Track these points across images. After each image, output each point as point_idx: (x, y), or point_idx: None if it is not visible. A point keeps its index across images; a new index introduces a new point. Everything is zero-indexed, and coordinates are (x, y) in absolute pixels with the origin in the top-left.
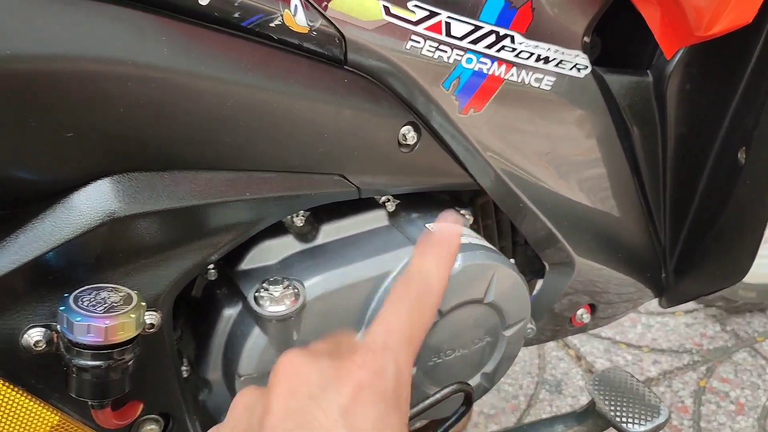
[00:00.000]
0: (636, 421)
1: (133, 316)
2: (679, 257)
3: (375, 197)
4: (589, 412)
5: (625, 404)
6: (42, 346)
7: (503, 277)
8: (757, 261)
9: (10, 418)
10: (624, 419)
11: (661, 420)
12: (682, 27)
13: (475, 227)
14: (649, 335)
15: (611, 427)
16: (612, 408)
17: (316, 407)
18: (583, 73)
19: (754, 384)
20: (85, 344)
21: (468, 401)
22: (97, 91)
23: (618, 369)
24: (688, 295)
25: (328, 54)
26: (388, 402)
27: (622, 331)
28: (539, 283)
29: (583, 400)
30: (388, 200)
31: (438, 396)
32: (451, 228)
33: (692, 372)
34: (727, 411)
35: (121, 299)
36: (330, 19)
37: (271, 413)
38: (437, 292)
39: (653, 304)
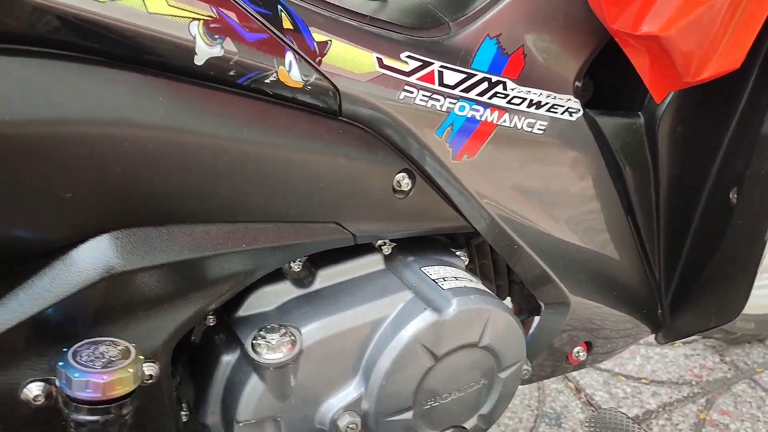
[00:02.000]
0: None
1: (131, 370)
2: (675, 294)
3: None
4: None
5: None
6: (41, 400)
7: (498, 321)
8: (755, 292)
9: None
10: None
11: None
12: (671, 73)
13: (471, 267)
14: (648, 367)
15: None
16: None
17: None
18: (575, 117)
19: (754, 416)
20: (83, 399)
21: None
22: (95, 151)
23: (613, 410)
24: (684, 332)
25: (323, 106)
26: None
27: (621, 363)
28: (536, 320)
29: None
30: (384, 243)
31: None
32: None
33: (692, 404)
34: None
35: (119, 353)
36: (324, 73)
37: None
38: None
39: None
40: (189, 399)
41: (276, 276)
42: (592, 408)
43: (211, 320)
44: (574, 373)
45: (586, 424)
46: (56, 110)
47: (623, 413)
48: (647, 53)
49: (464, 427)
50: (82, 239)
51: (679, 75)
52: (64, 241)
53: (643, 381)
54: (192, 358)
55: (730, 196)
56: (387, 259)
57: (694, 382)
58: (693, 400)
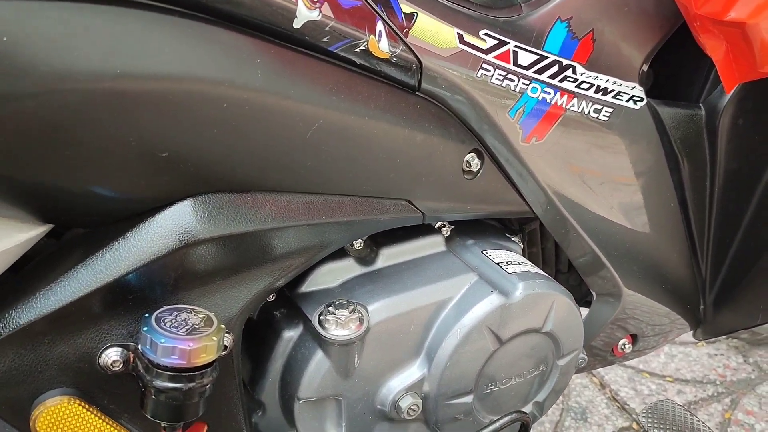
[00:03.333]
0: None
1: (215, 338)
2: (720, 290)
3: (431, 222)
4: None
5: None
6: (119, 366)
7: (561, 307)
8: None
9: None
10: None
11: None
12: (747, 62)
13: (522, 254)
14: (672, 365)
15: None
16: None
17: None
18: (639, 105)
19: None
20: (167, 366)
21: (525, 429)
22: (197, 111)
23: (669, 401)
24: (726, 329)
25: (404, 80)
26: None
27: (645, 360)
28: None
29: (609, 428)
30: (444, 225)
31: (497, 425)
32: None
33: (717, 403)
34: None
35: (201, 321)
36: (410, 45)
37: None
38: None
39: None
40: (245, 375)
41: (338, 254)
42: (617, 404)
43: (271, 296)
44: (599, 369)
45: (643, 415)
46: (159, 66)
47: (679, 404)
48: (725, 41)
49: (525, 413)
50: (168, 203)
51: (754, 65)
52: (152, 203)
53: (668, 379)
54: (249, 334)
55: None
56: (447, 241)
57: (718, 382)
58: (718, 400)
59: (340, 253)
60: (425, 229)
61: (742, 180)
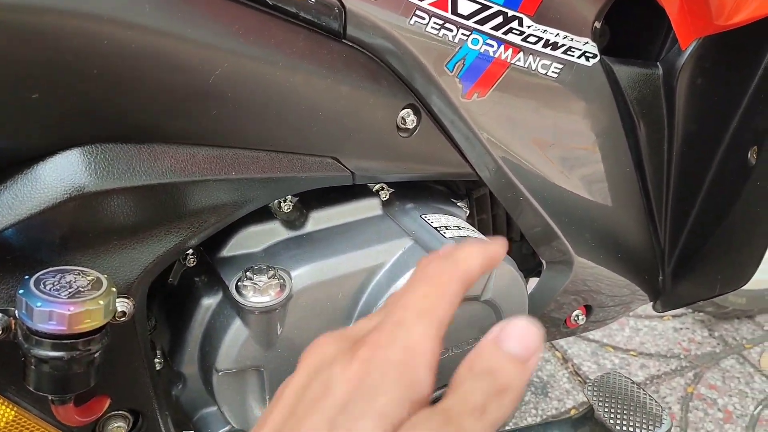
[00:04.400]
0: (637, 429)
1: (101, 302)
2: (678, 259)
3: (368, 185)
4: (587, 418)
5: (625, 411)
6: None
7: (502, 274)
8: None
9: None
10: (624, 427)
11: (663, 429)
12: (702, 15)
13: (470, 221)
14: (636, 339)
15: None
16: (612, 415)
17: (319, 380)
18: (591, 62)
19: (742, 392)
20: (45, 333)
21: None
22: (69, 46)
23: (617, 373)
24: (685, 300)
25: (327, 25)
26: (385, 379)
27: (609, 334)
28: (533, 281)
29: (569, 403)
30: (382, 188)
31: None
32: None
33: (680, 377)
34: (715, 419)
35: (88, 284)
36: None
37: (293, 380)
38: (465, 269)
39: (642, 307)
40: (164, 345)
41: (264, 216)
42: (579, 378)
43: (191, 260)
44: (562, 343)
45: (589, 388)
46: None
47: (627, 377)
48: None
49: None
50: (51, 152)
51: (710, 18)
52: (30, 152)
53: (632, 353)
54: (169, 301)
55: (749, 155)
56: (385, 205)
57: (682, 356)
58: (681, 374)
59: (267, 216)
60: (361, 193)
61: (701, 143)
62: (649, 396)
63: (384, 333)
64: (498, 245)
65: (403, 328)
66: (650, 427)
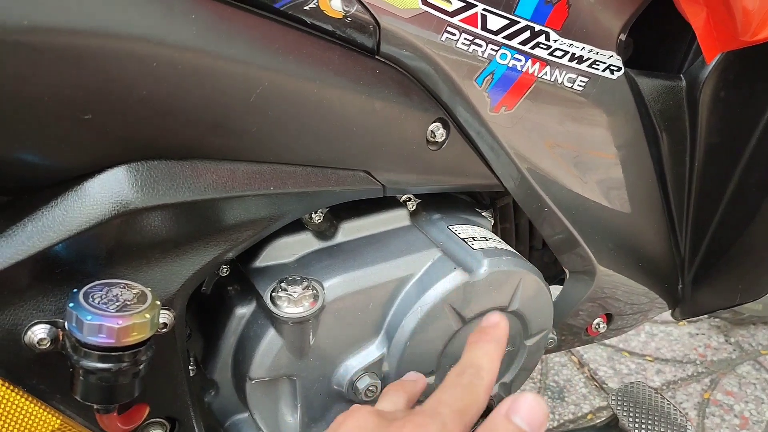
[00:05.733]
0: None
1: (147, 316)
2: (698, 269)
3: (396, 196)
4: (611, 427)
5: (649, 421)
6: (46, 344)
7: (529, 285)
8: None
9: (8, 421)
10: None
11: None
12: (728, 30)
13: (493, 230)
14: (652, 344)
15: None
16: (635, 424)
17: None
18: (616, 75)
19: (758, 398)
20: (94, 345)
21: (488, 412)
22: (121, 70)
23: (641, 383)
24: (705, 309)
25: (361, 42)
26: None
27: (625, 339)
28: (554, 289)
29: (586, 408)
30: (410, 199)
31: None
32: (500, 323)
33: (696, 383)
34: (732, 425)
35: (134, 297)
36: (366, 4)
37: None
38: (488, 381)
39: None
40: (197, 353)
41: (296, 227)
42: (595, 383)
43: (224, 270)
44: (578, 348)
45: (613, 398)
46: (83, 19)
47: (651, 387)
48: (705, 7)
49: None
50: (99, 169)
51: (736, 33)
52: (79, 170)
53: (648, 358)
54: (202, 311)
55: None
56: (412, 215)
57: (698, 362)
58: (697, 380)
59: (298, 227)
60: (389, 203)
61: (723, 155)
62: (673, 405)
63: (424, 415)
64: (502, 335)
65: (440, 418)
66: None
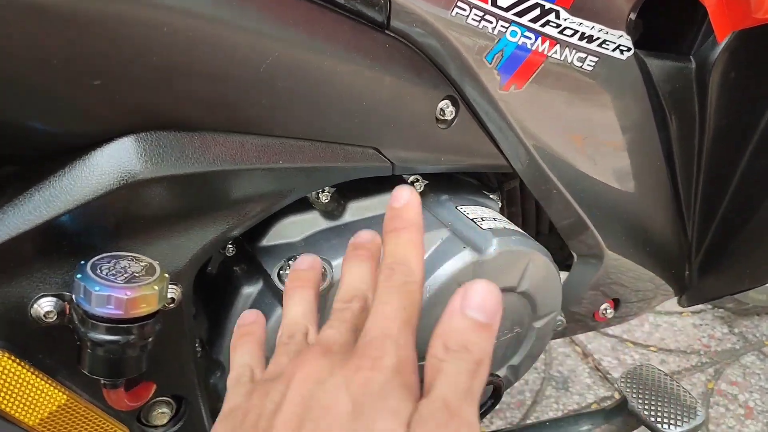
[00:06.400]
0: (671, 421)
1: (156, 288)
2: (706, 254)
3: (403, 176)
4: (620, 409)
5: (659, 403)
6: (53, 317)
7: (538, 266)
8: None
9: (13, 395)
10: (658, 419)
11: (698, 422)
12: (741, 7)
13: (501, 213)
14: (656, 335)
15: (642, 427)
16: (645, 407)
17: (324, 392)
18: (625, 55)
19: (762, 388)
20: (103, 317)
21: (497, 394)
22: (131, 35)
23: (650, 366)
24: (711, 294)
25: (371, 16)
26: (390, 383)
27: (629, 330)
28: (563, 275)
29: (590, 398)
30: (417, 180)
31: None
32: (409, 198)
33: (700, 373)
34: (736, 415)
35: (142, 269)
36: None
37: (286, 400)
38: (419, 275)
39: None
40: (203, 334)
41: (303, 206)
42: (599, 373)
43: (230, 250)
44: (582, 338)
45: (622, 380)
46: None
47: (660, 369)
48: None
49: (498, 376)
50: (107, 139)
51: (749, 10)
52: (87, 138)
53: (652, 348)
54: (208, 291)
55: None
56: (420, 196)
57: (702, 352)
58: (701, 370)
59: (305, 206)
60: (396, 183)
61: (732, 138)
62: (683, 388)
63: (376, 344)
64: (417, 218)
65: (391, 339)
66: (684, 419)
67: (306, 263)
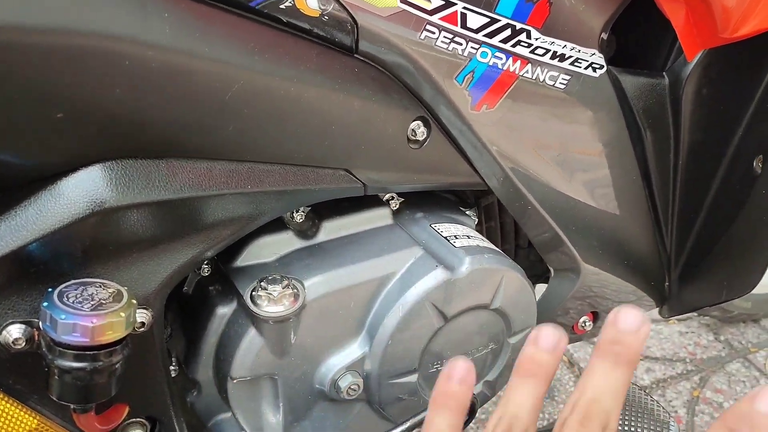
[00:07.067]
0: None
1: (123, 314)
2: (685, 266)
3: (378, 195)
4: None
5: (633, 418)
6: (21, 344)
7: (511, 283)
8: None
9: None
10: None
11: None
12: (708, 27)
13: (478, 229)
14: None
15: None
16: (619, 423)
17: None
18: (598, 73)
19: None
20: (69, 344)
21: (471, 410)
22: (93, 68)
23: None
24: (691, 305)
25: (339, 41)
26: None
27: None
28: (539, 288)
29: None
30: (392, 198)
31: None
32: (643, 333)
33: (686, 381)
34: None
35: (110, 296)
36: (343, 3)
37: None
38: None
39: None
40: (179, 353)
41: (277, 226)
42: None
43: (205, 270)
44: (568, 347)
45: None
46: (54, 18)
47: (633, 383)
48: (685, 5)
49: (473, 394)
50: (74, 168)
51: (716, 30)
52: (53, 168)
53: None
54: (184, 310)
55: (754, 164)
56: (395, 214)
57: (688, 360)
58: (687, 378)
59: (280, 226)
60: (372, 202)
61: (707, 151)
62: (657, 402)
63: None
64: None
65: None
66: None
67: (459, 374)
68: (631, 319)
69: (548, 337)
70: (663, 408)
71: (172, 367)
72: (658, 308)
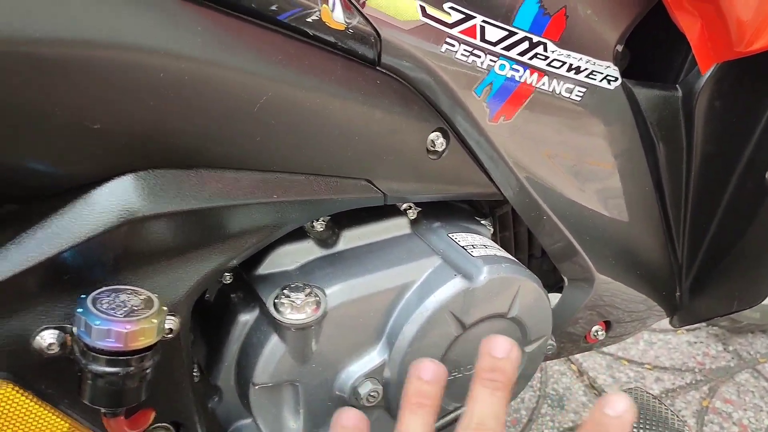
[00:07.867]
0: None
1: (155, 321)
2: (696, 276)
3: (396, 204)
4: None
5: (648, 427)
6: (55, 349)
7: (528, 292)
8: None
9: (17, 424)
10: None
11: None
12: (723, 41)
13: (493, 238)
14: (651, 352)
15: None
16: (633, 429)
17: None
18: (613, 85)
19: (756, 406)
20: (102, 349)
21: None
22: (129, 81)
23: (639, 389)
24: (702, 316)
25: (362, 53)
26: None
27: (624, 348)
28: (552, 297)
29: (586, 415)
30: (410, 207)
31: (458, 412)
32: (512, 360)
33: (695, 391)
34: None
35: (141, 303)
36: (367, 16)
37: None
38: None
39: None
40: (200, 360)
41: (298, 235)
42: (595, 391)
43: (227, 277)
44: (577, 356)
45: None
46: (92, 32)
47: (649, 393)
48: (700, 19)
49: None
50: (107, 178)
51: (730, 44)
52: (87, 178)
53: (647, 366)
54: (206, 317)
55: (766, 177)
56: (413, 223)
57: (697, 370)
58: (696, 388)
59: (300, 235)
60: (390, 211)
61: (719, 163)
62: (671, 411)
63: None
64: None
65: None
66: None
67: (429, 372)
68: (502, 346)
69: (429, 368)
70: (677, 416)
71: (194, 373)
72: (668, 318)
